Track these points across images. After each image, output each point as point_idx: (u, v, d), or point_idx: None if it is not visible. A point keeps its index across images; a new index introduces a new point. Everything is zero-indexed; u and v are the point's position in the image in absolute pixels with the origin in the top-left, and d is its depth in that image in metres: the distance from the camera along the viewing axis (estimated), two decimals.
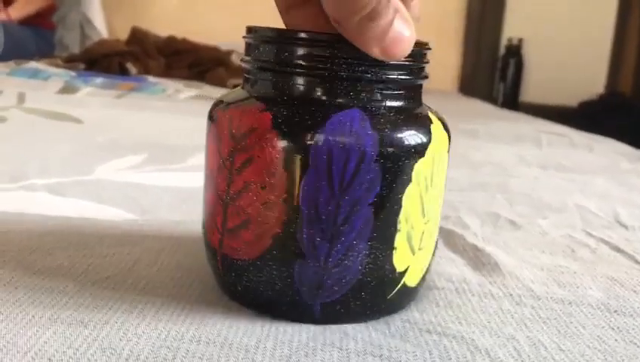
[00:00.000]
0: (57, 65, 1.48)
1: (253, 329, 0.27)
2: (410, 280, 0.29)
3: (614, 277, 0.36)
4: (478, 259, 0.37)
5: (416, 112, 0.28)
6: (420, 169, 0.27)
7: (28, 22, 1.93)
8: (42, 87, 1.13)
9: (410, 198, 0.27)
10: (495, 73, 2.49)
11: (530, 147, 0.88)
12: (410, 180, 0.26)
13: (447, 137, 0.29)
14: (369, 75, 0.27)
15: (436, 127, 0.28)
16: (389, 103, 0.27)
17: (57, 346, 0.24)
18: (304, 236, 0.26)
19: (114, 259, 0.33)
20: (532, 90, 2.47)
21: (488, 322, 0.29)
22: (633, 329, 0.29)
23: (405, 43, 0.26)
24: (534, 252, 0.39)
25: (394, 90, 0.27)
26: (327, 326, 0.27)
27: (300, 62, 0.27)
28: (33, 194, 0.45)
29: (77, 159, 0.57)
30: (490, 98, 2.28)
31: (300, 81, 0.27)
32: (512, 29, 2.45)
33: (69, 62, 1.58)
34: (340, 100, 0.27)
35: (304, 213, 0.26)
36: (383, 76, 0.27)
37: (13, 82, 1.14)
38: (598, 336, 0.28)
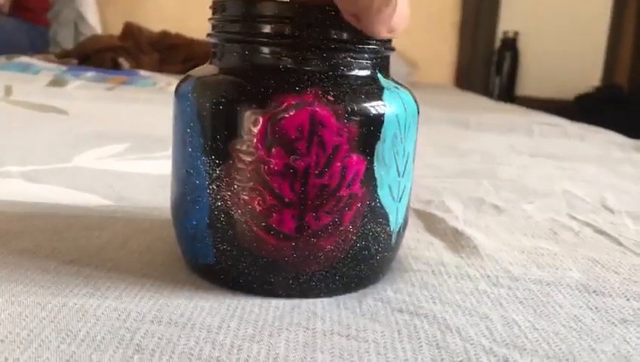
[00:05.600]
0: (50, 61, 1.47)
1: (219, 308, 0.26)
2: None
3: (596, 258, 0.35)
4: (457, 242, 0.37)
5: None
6: None
7: (23, 18, 1.92)
8: (31, 80, 1.13)
9: None
10: (491, 66, 2.49)
11: (522, 137, 0.87)
12: None
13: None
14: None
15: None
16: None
17: (11, 328, 0.23)
18: None
19: (81, 243, 0.32)
20: (528, 84, 2.46)
21: (463, 302, 0.28)
22: (612, 308, 0.28)
23: (406, 20, 0.26)
24: (516, 235, 0.39)
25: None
26: (296, 305, 0.27)
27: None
28: (8, 181, 0.45)
29: (57, 148, 0.56)
30: (486, 91, 2.27)
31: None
32: (507, 22, 2.44)
33: (63, 58, 1.57)
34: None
35: None
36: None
37: (3, 75, 1.13)
38: (574, 316, 0.27)
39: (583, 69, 2.38)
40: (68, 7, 2.20)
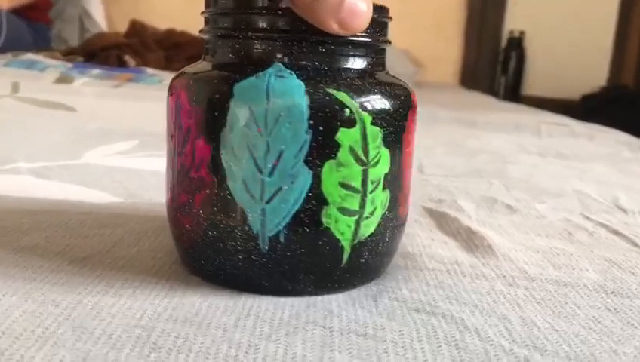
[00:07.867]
0: (55, 58, 1.47)
1: (234, 307, 0.26)
2: None
3: (612, 259, 0.34)
4: (471, 241, 0.36)
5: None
6: None
7: (24, 15, 1.92)
8: (38, 77, 1.13)
9: None
10: (497, 66, 2.48)
11: (530, 136, 0.87)
12: None
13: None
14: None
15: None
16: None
17: (26, 325, 0.23)
18: None
19: (93, 240, 0.32)
20: (534, 83, 2.45)
21: (480, 302, 0.28)
22: (630, 310, 0.28)
23: (362, 16, 0.26)
24: (530, 235, 0.38)
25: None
26: (312, 303, 0.26)
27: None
28: (17, 178, 0.44)
29: (66, 145, 0.56)
30: (491, 91, 2.26)
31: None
32: (513, 21, 2.43)
33: (68, 55, 1.57)
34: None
35: None
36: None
37: (9, 72, 1.13)
38: (593, 317, 0.27)
39: (589, 69, 2.37)
40: (72, 4, 2.20)
